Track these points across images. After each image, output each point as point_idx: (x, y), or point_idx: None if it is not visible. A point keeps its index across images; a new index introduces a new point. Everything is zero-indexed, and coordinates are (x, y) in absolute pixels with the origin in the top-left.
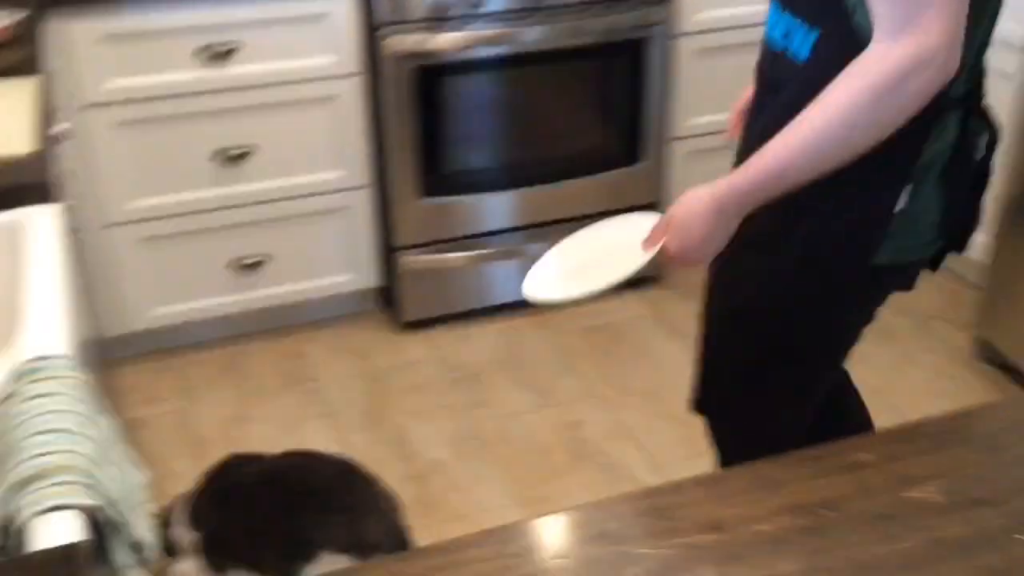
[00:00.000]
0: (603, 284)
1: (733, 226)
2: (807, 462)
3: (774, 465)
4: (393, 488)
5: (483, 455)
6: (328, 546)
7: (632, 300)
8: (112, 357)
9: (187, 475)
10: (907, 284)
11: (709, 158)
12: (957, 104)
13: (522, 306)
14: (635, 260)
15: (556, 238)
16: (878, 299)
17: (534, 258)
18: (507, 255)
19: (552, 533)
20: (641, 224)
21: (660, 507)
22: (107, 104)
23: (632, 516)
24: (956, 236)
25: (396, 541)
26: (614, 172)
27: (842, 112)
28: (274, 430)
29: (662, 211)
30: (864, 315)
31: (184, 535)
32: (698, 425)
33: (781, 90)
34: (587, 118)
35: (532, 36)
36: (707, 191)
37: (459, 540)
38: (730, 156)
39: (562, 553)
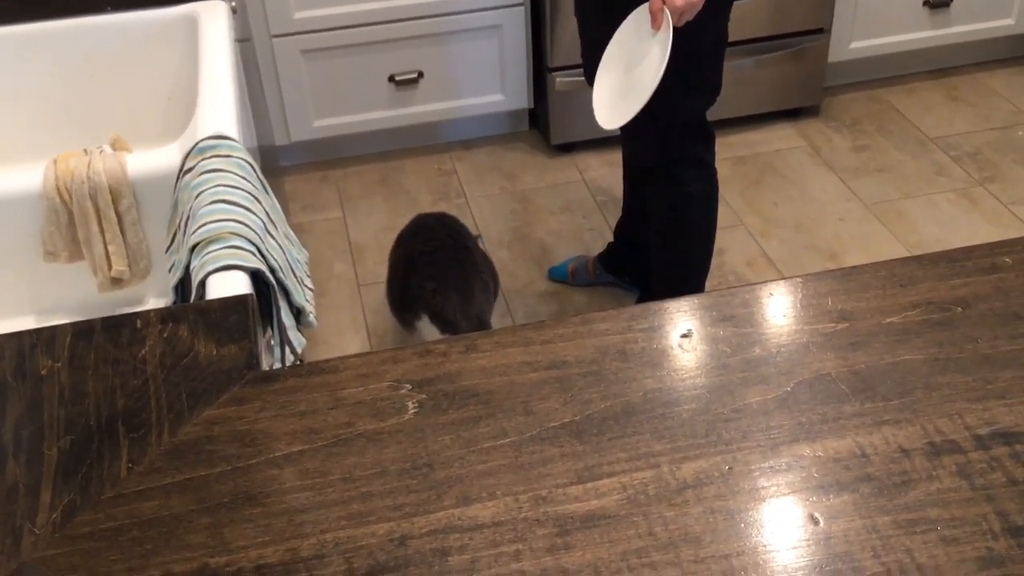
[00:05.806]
0: (652, 86)
1: None
2: (944, 262)
3: (910, 264)
4: (532, 304)
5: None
6: (421, 308)
7: (786, 130)
8: (277, 166)
9: (345, 276)
10: None
11: None
12: None
13: None
14: (660, 47)
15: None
16: None
17: None
18: None
19: (679, 313)
20: (641, 17)
21: (790, 296)
22: None
23: (759, 302)
24: None
25: (472, 325)
26: None
27: None
28: None
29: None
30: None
31: None
32: (848, 261)
33: None
34: None
35: None
36: None
37: (590, 316)
38: None
39: (687, 331)
